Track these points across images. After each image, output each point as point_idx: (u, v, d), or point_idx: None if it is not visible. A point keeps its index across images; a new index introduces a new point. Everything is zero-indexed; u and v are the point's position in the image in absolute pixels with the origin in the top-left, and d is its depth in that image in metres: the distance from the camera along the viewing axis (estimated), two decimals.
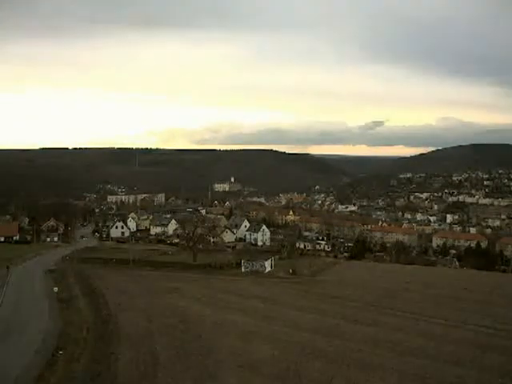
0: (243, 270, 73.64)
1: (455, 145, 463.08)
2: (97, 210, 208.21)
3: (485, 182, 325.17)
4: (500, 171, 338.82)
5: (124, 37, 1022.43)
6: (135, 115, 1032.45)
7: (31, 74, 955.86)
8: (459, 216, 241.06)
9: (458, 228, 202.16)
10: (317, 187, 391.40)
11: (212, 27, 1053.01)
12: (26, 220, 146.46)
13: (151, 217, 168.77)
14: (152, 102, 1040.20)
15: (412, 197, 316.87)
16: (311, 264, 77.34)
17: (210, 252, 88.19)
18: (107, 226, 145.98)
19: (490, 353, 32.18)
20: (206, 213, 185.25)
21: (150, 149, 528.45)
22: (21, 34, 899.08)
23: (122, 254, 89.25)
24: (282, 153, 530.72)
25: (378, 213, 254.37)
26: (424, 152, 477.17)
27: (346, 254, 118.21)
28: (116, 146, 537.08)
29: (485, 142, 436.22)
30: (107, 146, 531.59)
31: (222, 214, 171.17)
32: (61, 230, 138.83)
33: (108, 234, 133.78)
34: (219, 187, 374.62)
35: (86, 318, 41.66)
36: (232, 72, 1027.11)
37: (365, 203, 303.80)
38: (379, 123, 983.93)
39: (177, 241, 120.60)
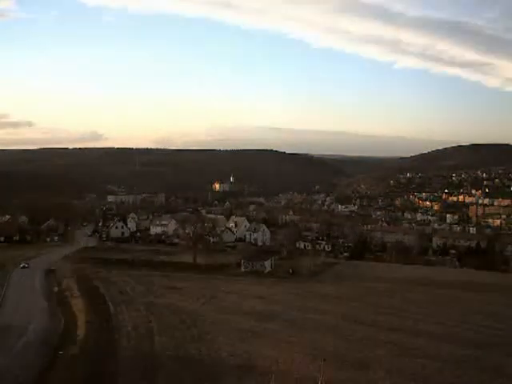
0: (243, 269, 73.60)
1: (455, 145, 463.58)
2: (97, 210, 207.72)
3: (485, 182, 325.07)
4: (500, 171, 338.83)
5: None
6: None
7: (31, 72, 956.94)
8: (459, 216, 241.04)
9: (458, 228, 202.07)
10: (317, 187, 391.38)
11: None
12: (26, 220, 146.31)
13: (151, 217, 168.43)
14: None
15: (412, 197, 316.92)
16: (311, 264, 77.27)
17: (210, 252, 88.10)
18: (107, 226, 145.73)
19: (489, 353, 32.19)
20: (206, 213, 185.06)
21: (150, 149, 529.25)
22: None
23: (121, 254, 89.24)
24: (281, 153, 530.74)
25: (378, 213, 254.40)
26: (424, 152, 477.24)
27: (346, 254, 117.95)
28: (116, 146, 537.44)
29: (485, 142, 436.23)
30: (107, 146, 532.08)
31: (222, 214, 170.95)
32: (61, 229, 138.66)
33: (108, 234, 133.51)
34: (219, 187, 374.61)
35: (86, 318, 41.66)
36: None
37: (365, 203, 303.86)
38: None
39: (177, 241, 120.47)
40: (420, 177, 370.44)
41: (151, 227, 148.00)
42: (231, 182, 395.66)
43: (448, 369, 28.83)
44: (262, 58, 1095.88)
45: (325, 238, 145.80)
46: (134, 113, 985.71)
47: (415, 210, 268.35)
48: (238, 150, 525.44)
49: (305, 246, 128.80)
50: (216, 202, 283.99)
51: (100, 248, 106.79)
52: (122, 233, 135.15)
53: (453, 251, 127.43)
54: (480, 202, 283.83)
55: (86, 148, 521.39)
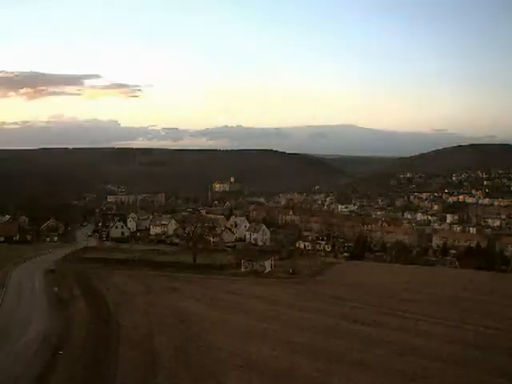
0: (243, 269, 73.58)
1: (455, 145, 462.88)
2: (97, 210, 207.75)
3: (485, 182, 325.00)
4: (500, 171, 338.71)
5: None
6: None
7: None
8: (459, 216, 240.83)
9: (458, 228, 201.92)
10: (317, 187, 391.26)
11: None
12: (26, 220, 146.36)
13: (151, 217, 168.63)
14: None
15: (412, 197, 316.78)
16: (311, 264, 77.27)
17: (210, 252, 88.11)
18: (107, 226, 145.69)
19: (490, 353, 32.19)
20: (206, 213, 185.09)
21: (150, 149, 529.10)
22: None
23: (122, 254, 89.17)
24: (282, 153, 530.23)
25: (378, 213, 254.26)
26: (424, 152, 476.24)
27: (345, 254, 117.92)
28: (116, 146, 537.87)
29: (485, 142, 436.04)
30: (107, 146, 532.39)
31: (222, 214, 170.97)
32: (61, 230, 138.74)
33: (108, 234, 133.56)
34: (219, 187, 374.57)
35: (86, 318, 41.65)
36: None
37: (365, 203, 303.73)
38: None
39: (177, 241, 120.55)
40: (420, 177, 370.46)
41: (151, 227, 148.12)
42: (231, 182, 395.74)
43: (448, 369, 28.83)
44: None
45: (325, 238, 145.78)
46: None
47: (415, 209, 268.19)
48: (237, 150, 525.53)
49: (305, 246, 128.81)
50: (216, 202, 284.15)
51: (100, 248, 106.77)
52: (122, 233, 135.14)
53: (453, 251, 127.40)
54: (480, 202, 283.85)
55: (86, 148, 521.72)
